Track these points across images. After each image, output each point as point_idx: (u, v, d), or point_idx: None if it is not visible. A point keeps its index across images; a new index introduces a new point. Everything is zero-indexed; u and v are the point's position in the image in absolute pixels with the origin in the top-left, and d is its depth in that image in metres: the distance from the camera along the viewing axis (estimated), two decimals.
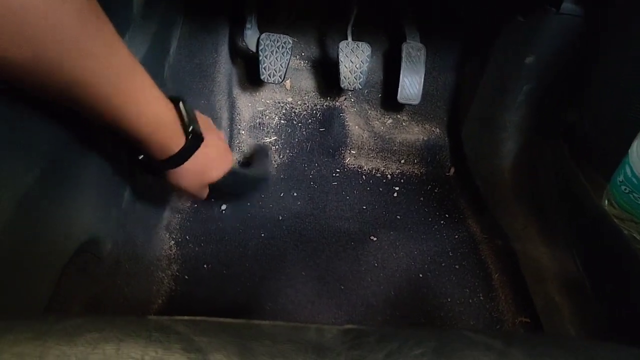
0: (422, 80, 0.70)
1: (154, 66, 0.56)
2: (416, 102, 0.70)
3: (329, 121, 0.77)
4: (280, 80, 0.67)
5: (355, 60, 0.68)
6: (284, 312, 0.55)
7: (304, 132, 0.76)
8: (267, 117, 0.76)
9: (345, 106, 0.78)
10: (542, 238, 0.59)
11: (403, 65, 0.69)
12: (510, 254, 0.61)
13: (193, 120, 0.41)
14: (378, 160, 0.76)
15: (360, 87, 0.69)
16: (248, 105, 0.76)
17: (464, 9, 0.72)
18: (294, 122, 0.76)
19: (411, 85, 0.69)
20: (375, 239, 0.65)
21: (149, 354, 0.18)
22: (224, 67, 0.72)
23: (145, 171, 0.44)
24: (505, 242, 0.63)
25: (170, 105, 0.40)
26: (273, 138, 0.75)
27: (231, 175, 0.50)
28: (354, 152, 0.76)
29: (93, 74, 0.31)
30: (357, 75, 0.68)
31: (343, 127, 0.77)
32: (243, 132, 0.75)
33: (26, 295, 0.36)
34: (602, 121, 0.54)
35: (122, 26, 0.46)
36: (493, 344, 0.20)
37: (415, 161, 0.77)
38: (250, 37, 0.70)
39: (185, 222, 0.63)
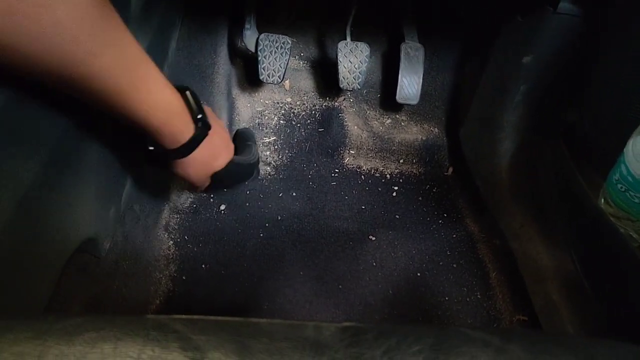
0: (421, 80, 0.70)
1: None
2: (415, 102, 0.70)
3: (328, 121, 0.77)
4: (279, 81, 0.67)
5: (354, 60, 0.68)
6: (282, 312, 0.55)
7: (303, 132, 0.76)
8: (266, 117, 0.76)
9: (344, 106, 0.78)
10: (540, 238, 0.60)
11: (402, 65, 0.69)
12: (508, 253, 0.62)
13: (200, 108, 0.42)
14: (377, 160, 0.76)
15: (359, 87, 0.69)
16: (247, 105, 0.77)
17: (462, 9, 0.72)
18: (293, 122, 0.76)
19: (410, 85, 0.70)
20: (373, 238, 0.65)
21: (146, 352, 0.18)
22: (223, 68, 0.72)
23: (154, 163, 0.44)
24: (503, 242, 0.63)
25: (178, 95, 0.40)
26: (272, 138, 0.76)
27: (231, 164, 0.50)
28: (352, 152, 0.77)
29: (105, 68, 0.31)
30: (355, 75, 0.68)
31: (342, 127, 0.77)
32: None
33: (26, 295, 0.36)
34: (601, 121, 0.54)
35: None
36: (491, 341, 0.20)
37: (414, 161, 0.77)
38: (249, 38, 0.70)
39: (183, 222, 0.63)
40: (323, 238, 0.64)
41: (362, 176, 0.74)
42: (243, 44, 0.71)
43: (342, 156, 0.76)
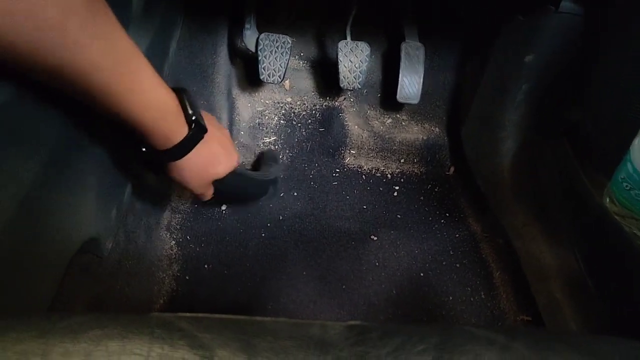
0: (422, 79, 0.70)
1: (153, 66, 0.56)
2: (415, 101, 0.70)
3: (329, 121, 0.77)
4: (280, 81, 0.67)
5: (354, 59, 0.68)
6: (286, 312, 0.55)
7: (304, 132, 0.76)
8: (267, 117, 0.76)
9: (345, 106, 0.78)
10: (543, 236, 0.59)
11: (402, 64, 0.69)
12: (511, 253, 0.61)
13: (196, 110, 0.41)
14: (378, 160, 0.76)
15: (360, 86, 0.69)
16: (247, 105, 0.77)
17: (463, 8, 0.72)
18: (294, 122, 0.76)
19: (410, 84, 0.70)
20: (375, 238, 0.65)
21: (154, 350, 0.18)
22: (224, 68, 0.72)
23: (148, 166, 0.44)
24: (506, 241, 0.63)
25: (173, 95, 0.40)
26: (273, 138, 0.76)
27: (236, 175, 0.49)
28: (353, 151, 0.77)
29: (94, 60, 0.31)
30: (356, 75, 0.68)
31: (343, 127, 0.77)
32: (242, 132, 0.75)
33: (29, 295, 0.36)
34: (602, 120, 0.54)
35: None
36: (496, 339, 0.20)
37: (415, 160, 0.77)
38: (250, 37, 0.70)
39: (186, 222, 0.63)
40: (325, 238, 0.64)
41: (363, 176, 0.74)
42: (243, 43, 0.71)
43: (343, 156, 0.76)
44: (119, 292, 0.50)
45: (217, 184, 0.48)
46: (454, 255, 0.63)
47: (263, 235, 0.63)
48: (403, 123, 0.79)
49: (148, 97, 0.36)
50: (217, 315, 0.22)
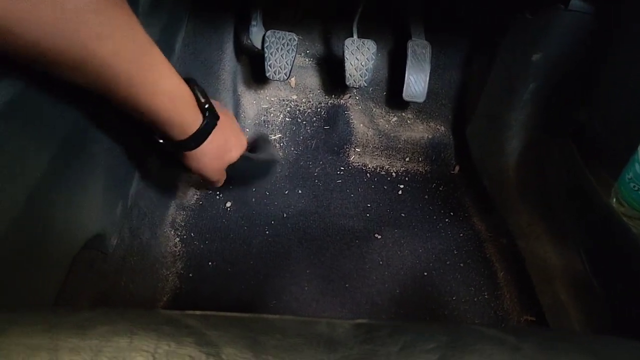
0: (428, 78, 0.69)
1: None
2: (421, 100, 0.70)
3: (334, 119, 0.77)
4: (285, 78, 0.67)
5: (360, 57, 0.68)
6: (289, 310, 0.55)
7: (309, 130, 0.76)
8: (272, 114, 0.76)
9: (350, 104, 0.78)
10: (548, 236, 0.59)
11: (408, 63, 0.69)
12: (516, 253, 0.61)
13: (207, 98, 0.42)
14: (383, 158, 0.76)
15: (366, 84, 0.69)
16: (253, 102, 0.76)
17: (470, 7, 0.72)
18: (299, 119, 0.76)
19: (416, 83, 0.69)
20: (379, 236, 0.64)
21: (162, 347, 0.18)
22: (229, 65, 0.72)
23: (163, 158, 0.44)
24: (510, 241, 0.63)
25: (186, 85, 0.40)
26: (278, 135, 0.75)
27: (245, 159, 0.50)
28: (358, 150, 0.76)
29: (114, 51, 0.31)
30: (362, 72, 0.68)
31: (348, 124, 0.77)
32: (248, 129, 0.75)
33: (33, 291, 0.36)
34: (611, 121, 0.53)
35: None
36: (506, 339, 0.20)
37: (420, 159, 0.76)
38: (256, 35, 0.70)
39: (190, 219, 0.63)
40: (329, 236, 0.64)
41: (368, 174, 0.74)
42: (249, 40, 0.71)
43: (348, 154, 0.76)
44: (123, 289, 0.50)
45: (229, 169, 0.49)
46: (457, 255, 0.63)
47: (267, 232, 0.63)
48: (408, 121, 0.78)
49: (164, 88, 0.37)
50: (224, 313, 0.22)
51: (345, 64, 0.67)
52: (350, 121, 0.77)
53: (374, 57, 0.68)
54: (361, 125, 0.78)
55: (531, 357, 0.20)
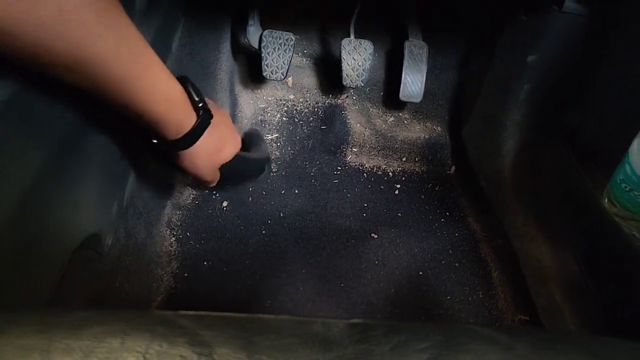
0: (424, 78, 0.69)
1: None
2: (418, 100, 0.70)
3: (331, 119, 0.77)
4: (283, 78, 0.67)
5: (357, 57, 0.68)
6: (285, 310, 0.55)
7: (306, 130, 0.76)
8: (269, 114, 0.76)
9: (347, 104, 0.78)
10: (543, 237, 0.59)
11: (405, 63, 0.69)
12: (511, 253, 0.62)
13: (201, 97, 0.42)
14: (379, 158, 0.76)
15: (362, 84, 0.69)
16: (250, 102, 0.76)
17: (466, 8, 0.72)
18: (296, 119, 0.76)
19: (413, 83, 0.69)
20: (376, 236, 0.65)
21: (153, 347, 0.18)
22: (226, 64, 0.72)
23: (158, 158, 0.44)
24: (505, 241, 0.63)
25: (179, 84, 0.41)
26: (274, 135, 0.75)
27: (239, 158, 0.50)
28: (355, 149, 0.76)
29: (109, 51, 0.32)
30: (359, 72, 0.68)
31: (344, 124, 0.77)
32: (245, 129, 0.75)
33: (29, 291, 0.35)
34: (606, 122, 0.54)
35: None
36: (499, 338, 0.20)
37: (417, 159, 0.77)
38: (253, 34, 0.70)
39: (186, 218, 0.63)
40: (325, 236, 0.64)
41: (365, 174, 0.74)
42: (246, 40, 0.71)
43: (345, 154, 0.76)
44: (118, 289, 0.50)
45: (223, 168, 0.48)
46: (453, 255, 0.63)
47: (263, 232, 0.63)
48: (405, 122, 0.78)
49: (159, 87, 0.37)
50: (218, 313, 0.22)
51: (342, 64, 0.67)
52: (347, 121, 0.77)
53: (370, 57, 0.68)
54: (358, 125, 0.78)
55: (524, 357, 0.20)
